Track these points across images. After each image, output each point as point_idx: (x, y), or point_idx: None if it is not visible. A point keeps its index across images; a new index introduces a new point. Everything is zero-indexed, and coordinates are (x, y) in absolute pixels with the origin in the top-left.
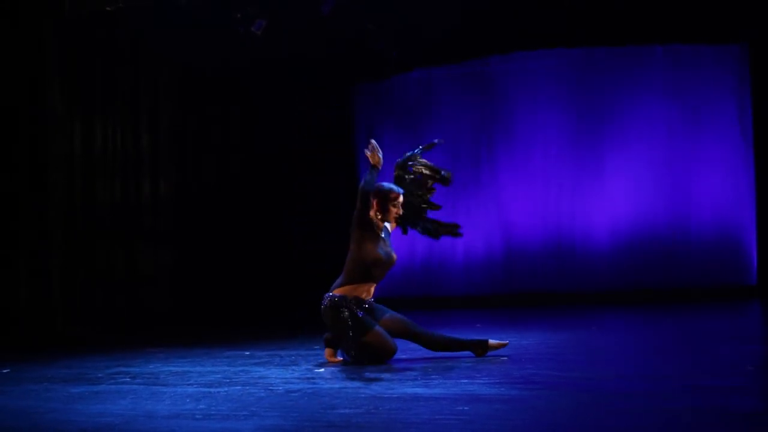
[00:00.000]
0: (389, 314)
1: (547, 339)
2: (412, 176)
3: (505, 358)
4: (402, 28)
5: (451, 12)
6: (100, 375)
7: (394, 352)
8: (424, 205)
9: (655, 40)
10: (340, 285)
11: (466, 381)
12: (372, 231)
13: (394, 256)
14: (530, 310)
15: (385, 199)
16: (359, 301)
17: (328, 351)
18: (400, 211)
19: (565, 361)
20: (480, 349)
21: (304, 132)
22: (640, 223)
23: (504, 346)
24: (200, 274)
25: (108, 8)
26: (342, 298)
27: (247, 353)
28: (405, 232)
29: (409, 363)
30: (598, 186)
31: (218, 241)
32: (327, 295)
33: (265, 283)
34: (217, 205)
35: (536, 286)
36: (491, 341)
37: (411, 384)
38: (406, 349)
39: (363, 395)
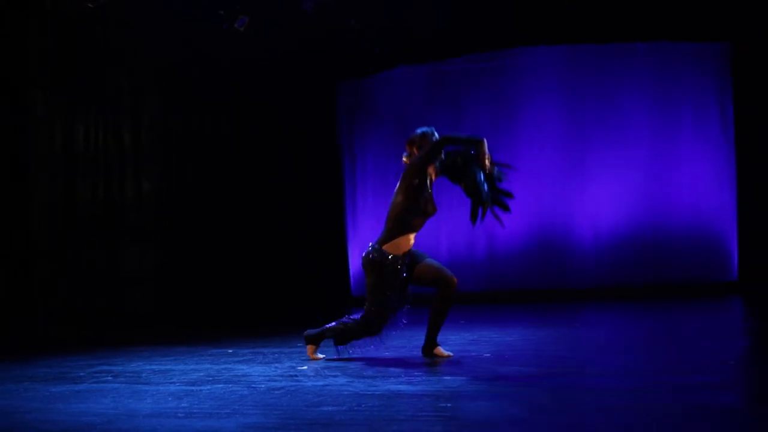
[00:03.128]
0: (428, 260)
1: (529, 336)
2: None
3: (488, 355)
4: (385, 25)
5: (434, 10)
6: (81, 374)
7: (454, 282)
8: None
9: (637, 38)
10: (386, 238)
11: (448, 378)
12: (424, 182)
13: (436, 208)
14: (513, 307)
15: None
16: (399, 258)
17: (309, 348)
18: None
19: (548, 358)
20: (429, 349)
21: (288, 129)
22: (622, 220)
23: (448, 357)
24: (184, 273)
25: (90, 5)
26: (383, 254)
27: (230, 351)
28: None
29: (392, 360)
30: (581, 183)
31: (202, 240)
32: (371, 245)
33: (249, 282)
34: (200, 204)
35: (519, 283)
36: (440, 348)
37: (394, 381)
38: (390, 346)
39: (346, 392)
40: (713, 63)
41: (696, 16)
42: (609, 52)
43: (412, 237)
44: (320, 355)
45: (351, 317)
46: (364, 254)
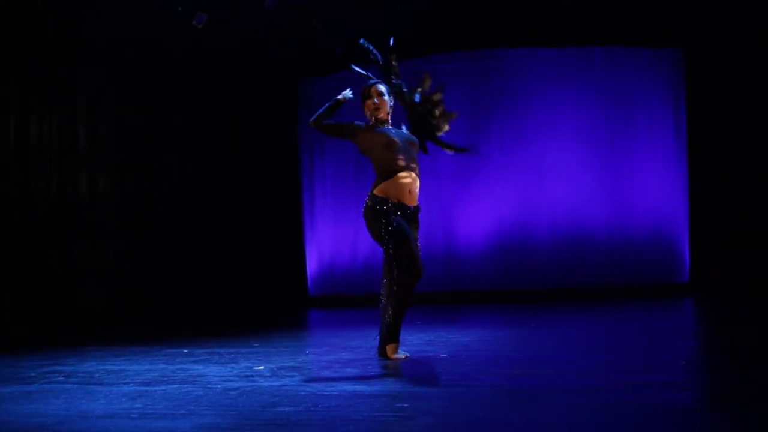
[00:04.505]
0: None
1: (486, 336)
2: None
3: (445, 355)
4: (349, 25)
5: (393, 11)
6: (32, 374)
7: (420, 275)
8: (434, 120)
9: (594, 42)
10: (374, 185)
11: (405, 378)
12: (365, 132)
13: (398, 139)
14: (471, 307)
15: (362, 95)
16: (399, 208)
17: (390, 349)
18: (376, 102)
19: (504, 358)
20: (382, 349)
21: (246, 127)
22: (578, 222)
23: (403, 359)
24: (138, 271)
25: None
26: (381, 200)
27: (186, 351)
28: (424, 149)
29: (349, 360)
30: (537, 184)
31: (156, 238)
32: (368, 194)
33: (204, 281)
34: (155, 201)
35: (475, 283)
36: (395, 348)
37: (351, 381)
38: (347, 347)
39: (302, 393)
40: (668, 68)
41: (651, 23)
42: (567, 55)
43: (402, 178)
44: (402, 354)
45: (386, 287)
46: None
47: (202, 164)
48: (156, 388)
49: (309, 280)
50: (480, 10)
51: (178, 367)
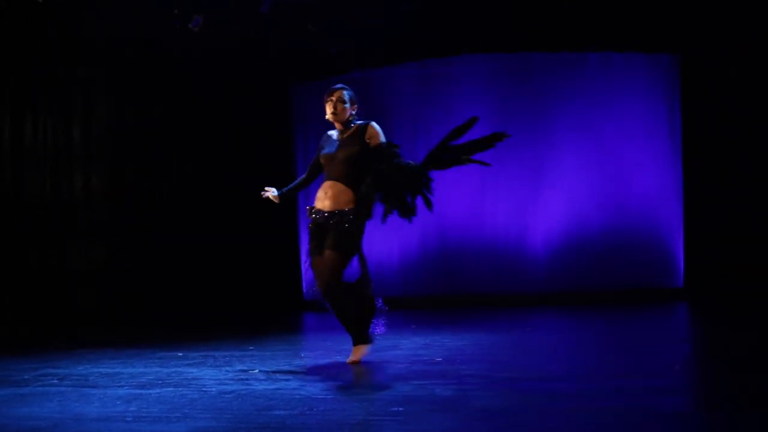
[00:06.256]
0: (326, 251)
1: (481, 340)
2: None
3: (440, 359)
4: (343, 30)
5: (391, 15)
6: (26, 377)
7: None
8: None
9: (588, 48)
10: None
11: (400, 382)
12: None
13: (331, 152)
14: (464, 311)
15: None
16: (311, 211)
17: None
18: (331, 110)
19: (499, 362)
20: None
21: (242, 129)
22: (573, 226)
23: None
24: (134, 272)
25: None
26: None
27: (180, 354)
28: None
29: (344, 364)
30: (532, 189)
31: (152, 239)
32: None
33: (200, 283)
34: (151, 201)
35: (471, 287)
36: (352, 356)
37: (346, 385)
38: (342, 351)
39: (297, 396)
40: (663, 74)
41: (647, 28)
42: (561, 60)
43: (320, 191)
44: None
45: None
46: None
47: (201, 164)
48: (151, 391)
49: (304, 284)
50: (475, 13)
51: (172, 370)
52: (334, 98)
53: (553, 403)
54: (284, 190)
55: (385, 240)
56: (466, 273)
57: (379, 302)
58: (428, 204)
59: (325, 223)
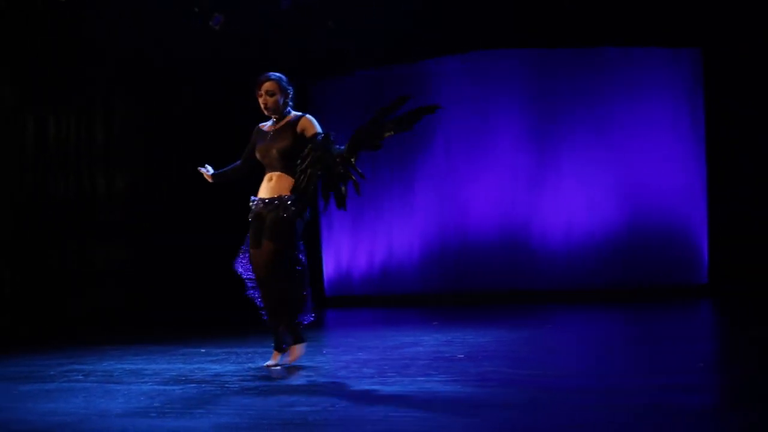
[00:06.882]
0: (264, 241)
1: (502, 336)
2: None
3: (462, 356)
4: (361, 27)
5: (407, 11)
6: (52, 373)
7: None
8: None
9: (609, 42)
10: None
11: (422, 379)
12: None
13: (264, 145)
14: (486, 308)
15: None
16: (252, 203)
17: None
18: (263, 105)
19: (521, 359)
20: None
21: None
22: (595, 222)
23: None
24: (156, 270)
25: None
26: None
27: (203, 350)
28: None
29: (366, 361)
30: (554, 185)
31: (175, 237)
32: None
33: (222, 281)
34: (173, 199)
35: (492, 284)
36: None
37: (368, 382)
38: (364, 347)
39: (319, 393)
40: (685, 68)
41: (668, 22)
42: (582, 56)
43: (262, 183)
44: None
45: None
46: None
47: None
48: (174, 388)
49: (325, 281)
50: (492, 10)
51: (195, 366)
52: (262, 92)
53: (576, 400)
54: (219, 171)
55: (406, 237)
56: (486, 269)
57: (310, 316)
58: (356, 188)
59: (263, 212)
